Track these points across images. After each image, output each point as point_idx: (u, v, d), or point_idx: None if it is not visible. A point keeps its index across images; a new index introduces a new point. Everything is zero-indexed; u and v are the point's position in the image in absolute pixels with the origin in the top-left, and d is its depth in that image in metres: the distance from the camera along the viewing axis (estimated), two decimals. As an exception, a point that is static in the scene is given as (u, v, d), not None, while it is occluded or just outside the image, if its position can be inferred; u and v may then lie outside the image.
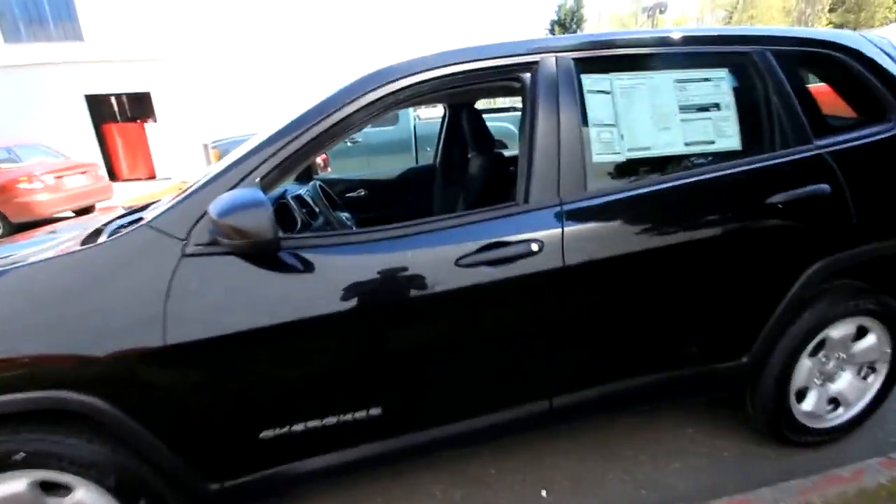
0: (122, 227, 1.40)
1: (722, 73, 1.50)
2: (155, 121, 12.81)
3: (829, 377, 1.74)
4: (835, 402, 1.76)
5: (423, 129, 6.69)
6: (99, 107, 12.75)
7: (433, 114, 7.05)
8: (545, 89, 1.36)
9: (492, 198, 2.35)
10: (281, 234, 1.33)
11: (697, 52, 1.49)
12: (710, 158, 1.48)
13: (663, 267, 1.40)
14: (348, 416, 1.26)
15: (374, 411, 1.29)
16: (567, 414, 1.47)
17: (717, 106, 1.48)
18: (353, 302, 1.19)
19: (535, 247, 1.27)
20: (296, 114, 1.27)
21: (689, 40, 1.50)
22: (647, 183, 1.40)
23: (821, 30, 1.70)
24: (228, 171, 1.19)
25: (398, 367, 1.30)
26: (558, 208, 1.33)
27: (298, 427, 1.24)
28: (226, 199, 1.07)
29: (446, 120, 2.80)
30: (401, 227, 1.27)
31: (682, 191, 1.41)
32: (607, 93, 1.41)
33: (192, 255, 1.13)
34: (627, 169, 1.42)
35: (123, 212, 1.79)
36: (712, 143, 1.47)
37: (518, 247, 1.27)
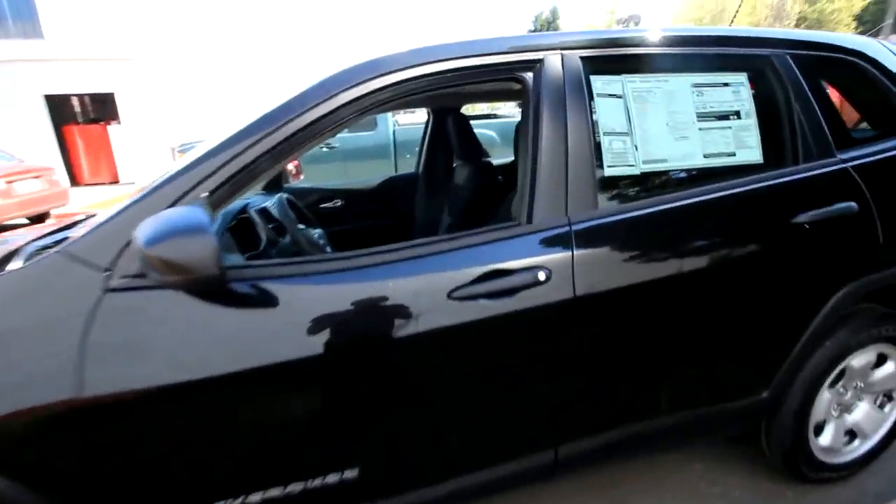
0: (47, 247, 1.15)
1: (741, 78, 1.35)
2: (119, 123, 12.21)
3: (846, 408, 1.61)
4: (851, 434, 1.63)
5: (403, 136, 6.49)
6: (59, 107, 12.08)
7: (413, 119, 6.86)
8: (550, 91, 1.18)
9: (481, 209, 2.18)
10: (241, 259, 1.11)
11: (715, 54, 1.34)
12: (729, 172, 1.32)
13: (683, 296, 1.23)
14: (317, 482, 1.04)
15: (350, 473, 1.07)
16: (573, 464, 1.28)
17: (737, 114, 1.33)
18: (324, 344, 0.98)
19: (542, 276, 1.08)
20: (258, 114, 1.05)
21: (706, 40, 1.35)
22: (665, 200, 1.23)
23: (837, 34, 1.58)
24: (167, 184, 0.96)
25: (380, 421, 1.08)
26: (566, 229, 1.14)
27: (254, 498, 1.01)
28: (156, 222, 0.84)
29: (430, 126, 2.60)
30: (382, 252, 1.06)
31: (703, 209, 1.25)
32: (619, 97, 1.24)
33: (118, 289, 0.90)
34: (641, 184, 1.25)
35: (54, 227, 1.52)
36: (733, 154, 1.32)
37: (522, 276, 1.08)
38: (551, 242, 1.13)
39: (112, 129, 12.17)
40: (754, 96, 1.36)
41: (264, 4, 14.55)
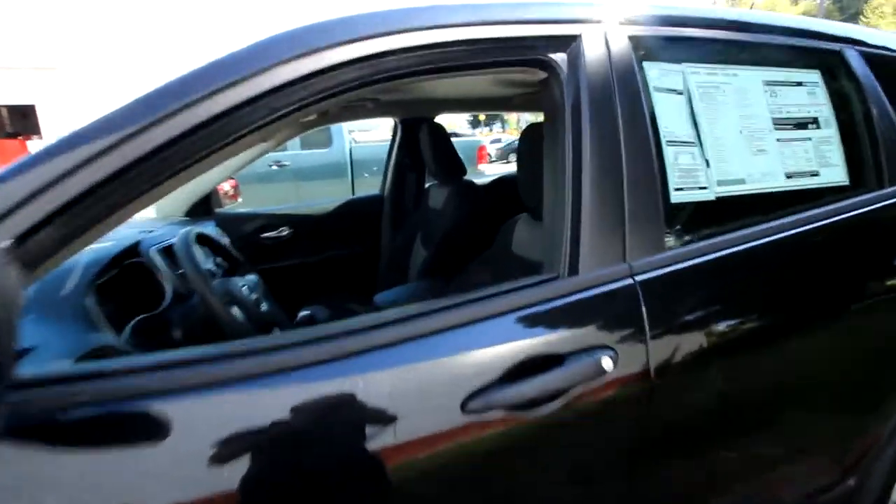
0: None
1: (815, 77, 1.05)
2: (41, 137, 11.05)
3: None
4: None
5: (361, 154, 6.04)
6: (-32, 120, 10.83)
7: (371, 137, 6.45)
8: (592, 80, 0.81)
9: (465, 239, 1.78)
10: (112, 340, 0.66)
11: (786, 45, 1.04)
12: (809, 196, 1.00)
13: (788, 363, 0.89)
14: None
15: None
16: None
17: (815, 121, 1.02)
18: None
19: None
20: (128, 100, 0.61)
21: (774, 29, 1.04)
22: (749, 236, 0.89)
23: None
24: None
25: None
26: (629, 281, 0.76)
27: None
28: None
29: (399, 138, 2.20)
30: (350, 333, 0.63)
31: (798, 246, 0.92)
32: (679, 93, 0.90)
33: None
34: (715, 213, 0.90)
35: None
36: (816, 174, 1.00)
37: (577, 364, 0.68)
38: (610, 304, 0.74)
39: (32, 144, 10.98)
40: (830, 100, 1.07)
41: (201, 14, 13.84)
